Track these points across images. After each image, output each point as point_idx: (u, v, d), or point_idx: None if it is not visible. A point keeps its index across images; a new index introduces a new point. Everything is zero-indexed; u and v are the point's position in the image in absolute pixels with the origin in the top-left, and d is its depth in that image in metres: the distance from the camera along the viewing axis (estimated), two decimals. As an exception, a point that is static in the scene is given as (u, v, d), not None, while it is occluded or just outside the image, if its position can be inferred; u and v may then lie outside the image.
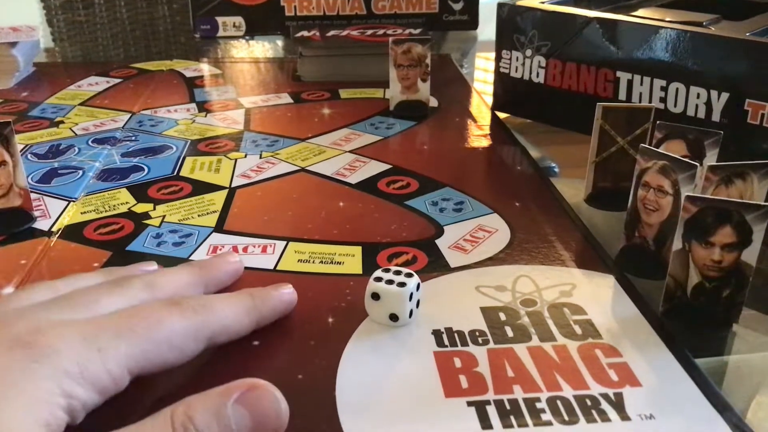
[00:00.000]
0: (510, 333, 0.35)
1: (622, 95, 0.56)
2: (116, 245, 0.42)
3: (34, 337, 0.27)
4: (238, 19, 0.91)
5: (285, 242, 0.43)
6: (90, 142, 0.58)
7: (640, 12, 0.62)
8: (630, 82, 0.55)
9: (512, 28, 0.61)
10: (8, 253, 0.42)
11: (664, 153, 0.39)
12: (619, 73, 0.56)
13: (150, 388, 0.30)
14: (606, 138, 0.47)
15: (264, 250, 0.42)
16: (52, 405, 0.25)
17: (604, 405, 0.30)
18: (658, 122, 0.44)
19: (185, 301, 0.32)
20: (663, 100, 0.53)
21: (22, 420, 0.24)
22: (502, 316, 0.36)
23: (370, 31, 0.78)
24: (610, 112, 0.46)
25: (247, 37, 0.93)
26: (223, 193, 0.49)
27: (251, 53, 0.89)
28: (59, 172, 0.52)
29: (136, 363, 0.28)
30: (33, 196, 0.46)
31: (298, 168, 0.54)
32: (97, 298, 0.31)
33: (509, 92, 0.64)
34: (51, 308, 0.30)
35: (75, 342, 0.27)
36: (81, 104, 0.67)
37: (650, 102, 0.54)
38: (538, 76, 0.60)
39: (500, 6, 0.61)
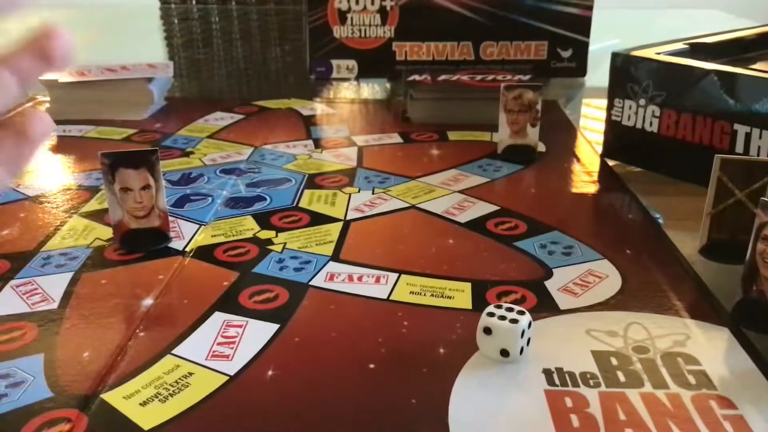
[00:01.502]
0: (622, 378, 0.35)
1: (739, 148, 0.55)
2: (243, 267, 0.46)
3: None
4: (352, 63, 0.96)
5: (397, 274, 0.45)
6: (218, 172, 0.62)
7: (759, 65, 0.61)
8: (748, 135, 0.54)
9: (626, 77, 0.62)
10: (147, 268, 0.46)
11: (787, 207, 0.38)
12: (736, 126, 0.55)
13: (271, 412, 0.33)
14: (723, 190, 0.46)
15: (377, 280, 0.44)
16: None
17: (721, 457, 0.30)
18: (780, 176, 0.43)
19: None
20: (784, 154, 0.52)
21: None
22: (614, 361, 0.36)
23: (479, 77, 0.80)
24: (728, 164, 0.46)
25: (358, 80, 0.97)
26: (339, 225, 0.52)
27: (360, 94, 0.93)
28: (191, 198, 0.57)
29: None
30: (169, 218, 0.50)
31: (409, 205, 0.56)
32: None
33: (620, 140, 0.64)
34: None
35: None
36: (209, 137, 0.72)
37: (769, 156, 0.53)
38: (651, 125, 0.60)
39: (614, 55, 0.62)
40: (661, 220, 0.53)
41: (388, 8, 0.93)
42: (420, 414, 0.33)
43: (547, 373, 0.35)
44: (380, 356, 0.37)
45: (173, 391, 0.34)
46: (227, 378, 0.35)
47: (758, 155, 0.54)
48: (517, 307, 0.37)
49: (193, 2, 1.64)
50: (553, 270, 0.46)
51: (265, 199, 0.56)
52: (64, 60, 0.27)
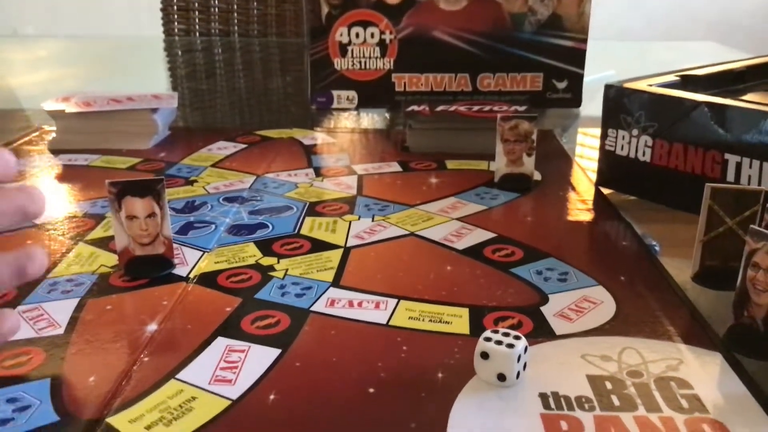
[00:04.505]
0: (616, 401, 0.36)
1: (731, 177, 0.56)
2: (245, 293, 0.47)
3: None
4: (352, 93, 0.98)
5: (396, 300, 0.46)
6: (221, 200, 0.63)
7: (749, 96, 0.63)
8: (739, 165, 0.56)
9: (619, 108, 0.63)
10: (151, 294, 0.47)
11: (775, 234, 0.39)
12: (727, 156, 0.56)
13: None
14: (714, 218, 0.48)
15: (377, 306, 0.45)
16: None
17: (713, 479, 0.31)
18: (768, 204, 0.45)
19: None
20: (773, 183, 0.53)
21: None
22: (608, 385, 0.37)
23: (476, 107, 0.82)
24: (719, 193, 0.47)
25: (358, 110, 0.99)
26: (339, 252, 0.53)
27: (360, 124, 0.95)
28: (195, 225, 0.58)
29: None
30: (173, 245, 0.51)
31: (408, 232, 0.57)
32: None
33: (614, 169, 0.65)
34: None
35: None
36: (212, 166, 0.74)
37: (759, 185, 0.54)
38: (644, 155, 0.62)
39: (607, 87, 0.64)
40: (657, 248, 0.55)
41: (388, 41, 0.96)
42: (418, 437, 0.33)
43: (543, 397, 0.36)
44: (380, 380, 0.38)
45: (177, 415, 0.35)
46: (230, 402, 0.36)
47: (749, 184, 0.55)
48: (513, 332, 0.37)
49: (197, 34, 1.67)
50: (549, 296, 0.46)
51: (267, 226, 0.58)
52: (34, 278, 0.36)
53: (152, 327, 0.43)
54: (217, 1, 1.65)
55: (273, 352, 0.40)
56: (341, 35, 0.95)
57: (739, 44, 1.54)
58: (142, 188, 0.48)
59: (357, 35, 0.95)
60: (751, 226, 0.41)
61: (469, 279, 0.49)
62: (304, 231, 0.57)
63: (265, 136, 0.85)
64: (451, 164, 0.74)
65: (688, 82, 0.67)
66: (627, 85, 0.63)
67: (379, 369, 0.39)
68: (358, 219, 0.59)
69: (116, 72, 1.43)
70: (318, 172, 0.72)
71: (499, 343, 0.37)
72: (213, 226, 0.58)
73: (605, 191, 0.66)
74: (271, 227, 0.57)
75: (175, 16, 1.67)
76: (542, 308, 0.45)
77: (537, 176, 0.69)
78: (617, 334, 0.42)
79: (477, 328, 0.42)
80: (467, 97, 0.96)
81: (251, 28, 1.67)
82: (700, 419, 0.34)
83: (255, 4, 1.66)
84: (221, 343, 0.41)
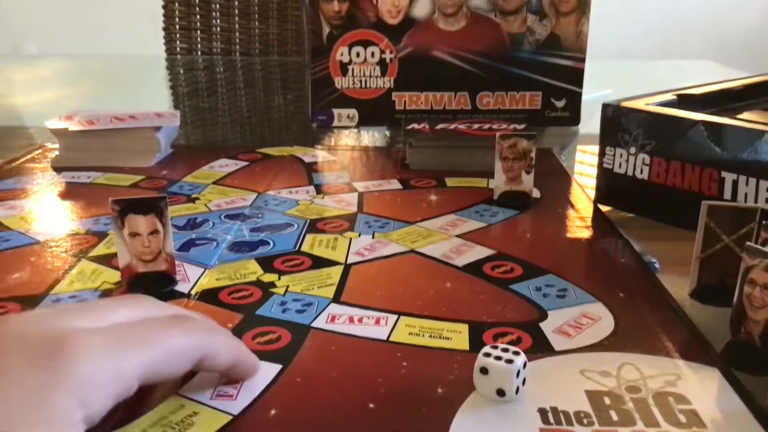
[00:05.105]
0: (615, 417, 0.36)
1: (727, 194, 0.57)
2: (247, 309, 0.47)
3: (56, 346, 0.29)
4: (352, 111, 0.99)
5: (397, 316, 0.46)
6: (222, 217, 0.64)
7: (746, 115, 0.64)
8: (735, 182, 0.56)
9: (616, 126, 0.64)
10: (153, 310, 0.47)
11: (771, 251, 0.40)
12: (724, 173, 0.57)
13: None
14: (711, 235, 0.48)
15: (377, 322, 0.46)
16: (71, 420, 0.28)
17: (711, 494, 0.31)
18: (764, 222, 0.45)
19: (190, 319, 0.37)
20: (770, 200, 0.54)
21: None
22: (607, 400, 0.37)
23: (476, 125, 0.82)
24: (716, 210, 0.48)
25: (358, 128, 1.00)
26: (340, 269, 0.53)
27: (361, 141, 0.96)
28: (196, 242, 0.58)
29: (145, 371, 0.32)
30: (175, 262, 0.52)
31: (408, 249, 0.57)
32: (113, 308, 0.35)
33: (612, 187, 0.66)
34: (67, 315, 0.33)
35: (95, 351, 0.30)
36: (214, 183, 0.75)
37: (756, 202, 0.55)
38: (642, 172, 0.63)
39: (605, 106, 0.65)
40: (656, 265, 0.55)
41: (388, 60, 0.97)
42: (418, 452, 0.33)
43: (542, 412, 0.36)
44: (380, 396, 0.38)
45: (178, 430, 0.35)
46: (231, 417, 0.36)
47: (746, 202, 0.56)
48: (512, 348, 0.38)
49: (198, 53, 1.69)
50: (548, 312, 0.47)
51: (268, 243, 0.58)
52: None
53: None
54: (218, 21, 1.67)
55: (274, 368, 0.40)
56: (342, 54, 0.97)
57: (736, 62, 1.56)
58: (145, 206, 0.48)
59: (357, 54, 0.96)
60: (748, 243, 0.41)
61: (468, 295, 0.50)
62: (304, 248, 0.57)
63: (267, 153, 0.86)
64: (450, 182, 0.75)
65: (685, 101, 0.67)
66: (624, 104, 0.64)
67: (379, 384, 0.39)
68: (359, 236, 0.60)
69: (119, 90, 1.44)
70: (319, 189, 0.73)
71: (498, 358, 0.37)
72: (214, 243, 0.58)
73: (604, 208, 0.67)
74: (272, 244, 0.58)
75: (177, 35, 1.68)
76: (541, 324, 0.45)
77: (536, 193, 0.69)
78: (616, 350, 0.42)
79: (476, 343, 0.43)
80: (467, 116, 0.97)
81: (253, 47, 1.69)
82: (698, 434, 0.35)
83: (256, 23, 1.67)
84: (223, 358, 0.41)
